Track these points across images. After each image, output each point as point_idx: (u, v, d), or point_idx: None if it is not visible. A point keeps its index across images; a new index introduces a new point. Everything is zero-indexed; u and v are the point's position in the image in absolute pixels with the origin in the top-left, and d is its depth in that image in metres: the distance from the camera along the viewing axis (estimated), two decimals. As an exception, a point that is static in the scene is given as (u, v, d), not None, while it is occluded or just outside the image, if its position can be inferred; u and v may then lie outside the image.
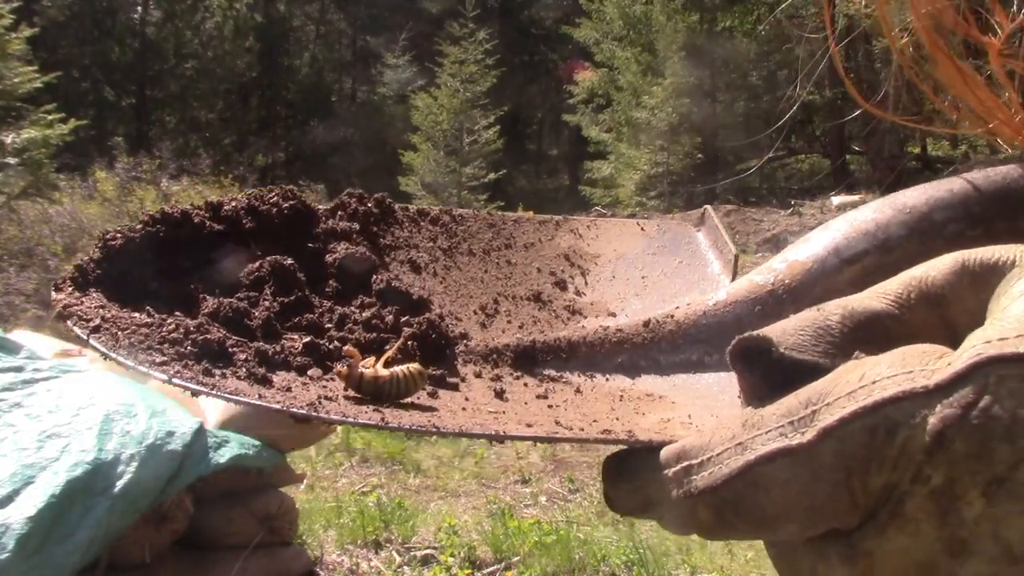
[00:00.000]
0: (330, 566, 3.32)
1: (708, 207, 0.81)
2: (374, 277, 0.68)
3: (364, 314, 0.65)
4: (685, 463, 0.43)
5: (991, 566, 0.35)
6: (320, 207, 0.73)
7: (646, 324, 0.65)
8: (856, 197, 11.28)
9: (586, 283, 0.77)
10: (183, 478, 2.41)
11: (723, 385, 0.61)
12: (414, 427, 0.52)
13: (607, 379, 0.64)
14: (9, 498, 2.14)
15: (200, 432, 2.51)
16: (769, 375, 0.43)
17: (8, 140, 9.23)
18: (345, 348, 0.59)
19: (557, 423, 0.54)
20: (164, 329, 0.56)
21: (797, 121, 16.56)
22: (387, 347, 0.61)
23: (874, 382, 0.37)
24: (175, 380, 0.51)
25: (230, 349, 0.56)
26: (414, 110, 18.49)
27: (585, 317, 0.73)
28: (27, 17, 12.39)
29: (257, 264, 0.64)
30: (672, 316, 0.65)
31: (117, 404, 2.47)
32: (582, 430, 0.52)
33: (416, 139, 18.09)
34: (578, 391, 0.62)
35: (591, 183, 18.26)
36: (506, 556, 3.45)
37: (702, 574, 3.33)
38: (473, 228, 0.80)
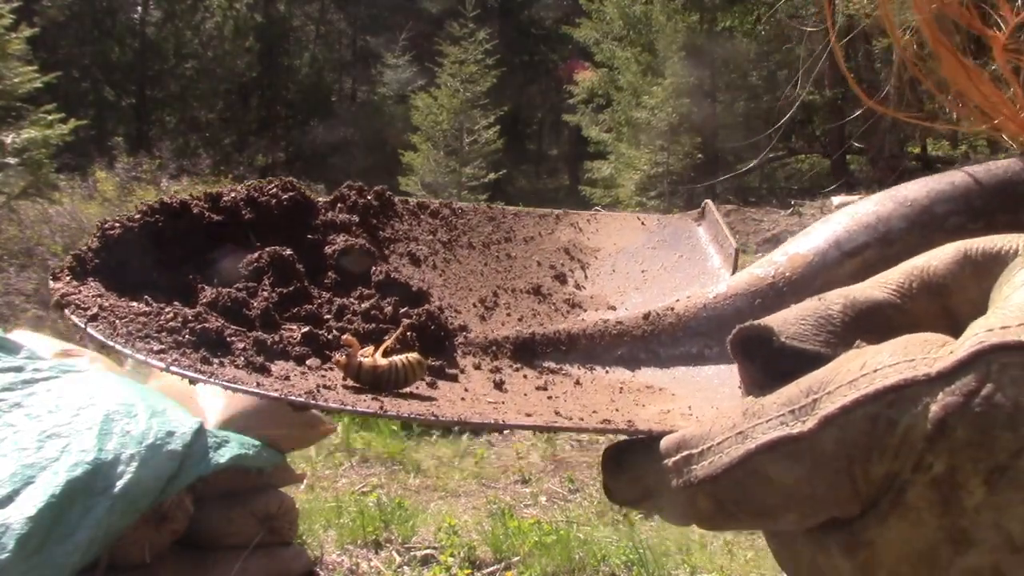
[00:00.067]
0: (330, 566, 3.32)
1: (709, 201, 0.81)
2: (373, 269, 0.68)
3: (363, 305, 0.64)
4: (685, 452, 0.43)
5: (992, 555, 0.35)
6: (319, 199, 0.73)
7: (646, 317, 0.65)
8: (856, 197, 11.28)
9: (586, 277, 0.77)
10: (183, 478, 2.41)
11: (723, 378, 0.61)
12: (413, 416, 0.52)
13: (607, 371, 0.64)
14: (9, 498, 2.14)
15: (200, 432, 2.51)
16: (770, 365, 0.43)
17: (8, 140, 9.23)
18: (344, 337, 0.59)
19: (557, 413, 0.54)
20: (162, 318, 0.56)
21: (797, 121, 16.56)
22: (386, 337, 0.61)
23: (876, 370, 0.37)
24: (172, 368, 0.51)
25: (228, 338, 0.56)
26: (414, 110, 18.49)
27: (585, 310, 0.72)
28: (27, 17, 12.39)
29: (256, 255, 0.64)
30: (672, 309, 0.65)
31: (117, 404, 2.47)
32: (582, 420, 0.52)
33: (416, 139, 18.09)
34: (578, 383, 0.62)
35: (591, 183, 18.25)
36: (506, 556, 3.45)
37: (702, 574, 3.33)
38: (473, 221, 0.80)
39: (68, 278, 0.57)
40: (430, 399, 0.56)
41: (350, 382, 0.57)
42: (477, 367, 0.63)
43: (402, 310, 0.65)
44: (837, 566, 0.39)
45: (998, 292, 0.40)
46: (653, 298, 0.73)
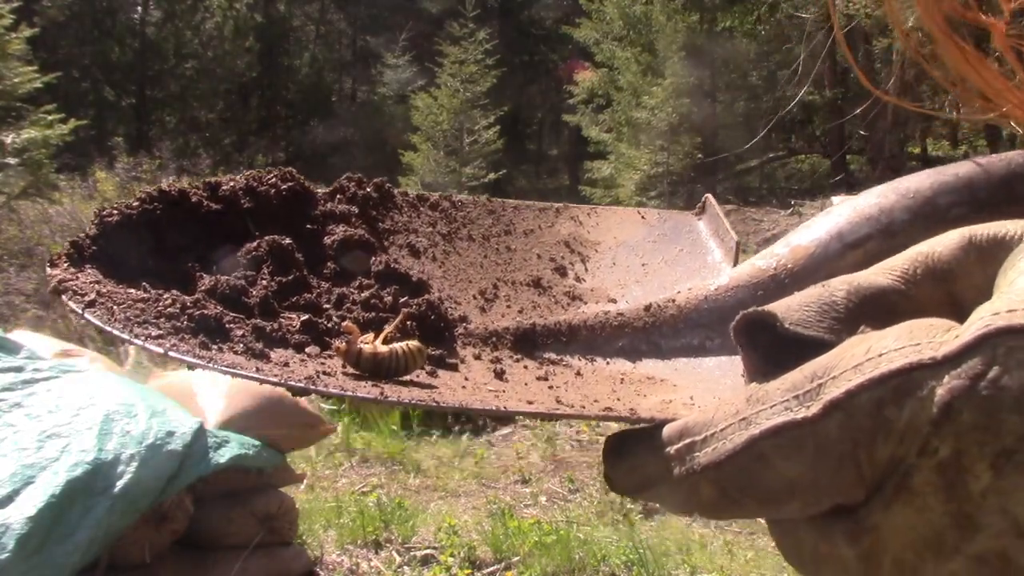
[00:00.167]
0: (330, 566, 3.32)
1: (709, 195, 0.81)
2: (373, 259, 0.68)
3: (363, 294, 0.64)
4: (688, 440, 0.42)
5: (999, 540, 0.35)
6: (319, 190, 0.73)
7: (647, 308, 0.65)
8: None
9: (586, 270, 0.77)
10: (183, 478, 2.41)
11: (725, 369, 0.61)
12: (414, 401, 0.52)
13: (608, 363, 0.64)
14: (9, 498, 2.14)
15: (200, 432, 2.51)
16: (773, 352, 0.43)
17: (8, 140, 9.23)
18: (344, 324, 0.59)
19: (558, 401, 0.53)
20: (160, 304, 0.55)
21: (797, 121, 16.56)
22: (386, 325, 0.60)
23: (881, 355, 0.37)
24: (171, 353, 0.51)
25: (227, 325, 0.56)
26: (414, 110, 18.49)
27: (585, 303, 0.72)
28: (27, 17, 12.39)
29: (255, 243, 0.64)
30: (673, 300, 0.65)
31: (117, 404, 2.47)
32: (583, 408, 0.52)
33: (416, 139, 18.10)
34: (579, 374, 0.61)
35: (591, 183, 18.25)
36: (506, 556, 3.45)
37: (702, 574, 3.33)
38: (472, 214, 0.79)
39: (65, 265, 0.57)
40: (430, 387, 0.56)
41: (350, 369, 0.57)
42: (477, 357, 0.63)
43: (402, 299, 0.65)
44: (841, 554, 0.38)
45: (1003, 277, 0.40)
46: (654, 291, 0.73)
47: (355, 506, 3.80)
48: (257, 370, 0.51)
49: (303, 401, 3.34)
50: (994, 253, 0.42)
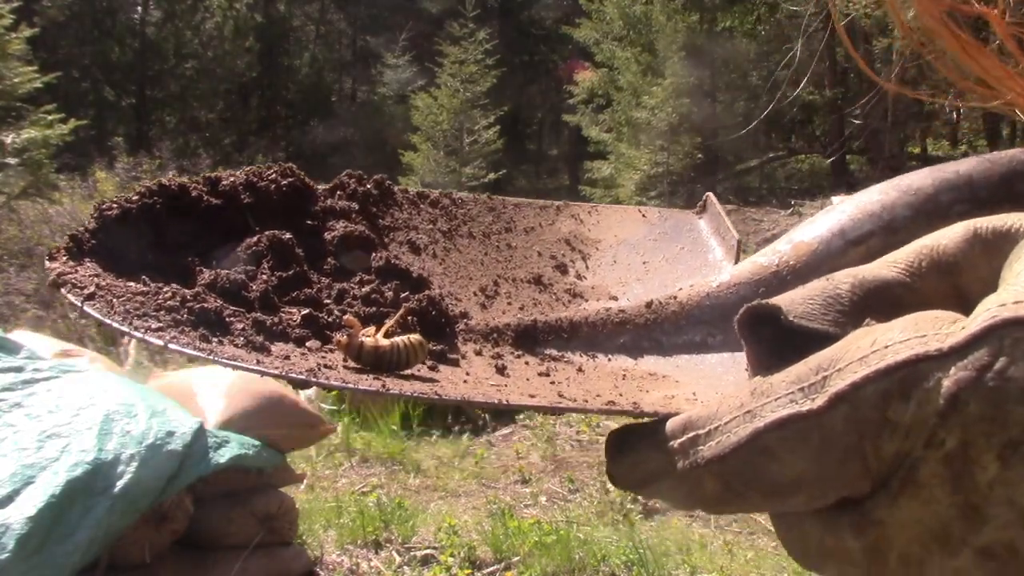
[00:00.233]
0: (330, 566, 3.32)
1: (710, 194, 0.81)
2: (373, 255, 0.68)
3: (363, 289, 0.64)
4: (692, 433, 0.42)
5: (1006, 531, 0.34)
6: (319, 187, 0.72)
7: (648, 305, 0.65)
8: (856, 197, 11.24)
9: (587, 267, 0.76)
10: (183, 478, 2.41)
11: (727, 366, 0.60)
12: (416, 394, 0.51)
13: (609, 359, 0.64)
14: (9, 498, 2.14)
15: (200, 432, 2.51)
16: (777, 346, 0.42)
17: (8, 140, 9.23)
18: (345, 317, 0.59)
19: (560, 396, 0.53)
20: (160, 297, 0.55)
21: (797, 121, 16.56)
22: (387, 319, 0.60)
23: (886, 347, 0.37)
24: (171, 345, 0.50)
25: (227, 318, 0.56)
26: (414, 110, 18.49)
27: (586, 300, 0.72)
28: (27, 17, 12.39)
29: (255, 238, 0.64)
30: (675, 297, 0.65)
31: (117, 404, 2.47)
32: (586, 402, 0.52)
33: (416, 139, 18.10)
34: (580, 370, 0.61)
35: (591, 183, 18.25)
36: (506, 556, 3.45)
37: (702, 574, 3.33)
38: (473, 211, 0.79)
39: (64, 258, 0.57)
40: (432, 380, 0.56)
41: (351, 363, 0.56)
42: (478, 353, 0.63)
43: (403, 295, 0.64)
44: (847, 547, 0.38)
45: (1009, 270, 0.40)
46: (655, 289, 0.72)
47: (355, 506, 3.80)
48: (258, 362, 0.51)
49: (303, 401, 3.34)
50: (999, 245, 0.42)
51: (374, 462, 4.74)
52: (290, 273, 0.62)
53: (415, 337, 0.58)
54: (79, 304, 0.53)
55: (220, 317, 0.55)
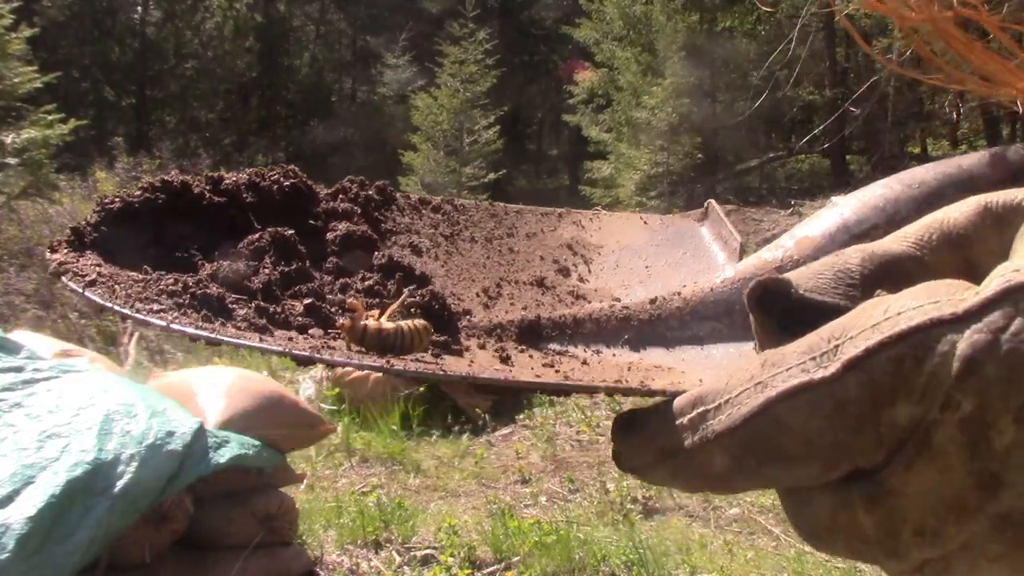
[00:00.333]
0: (330, 566, 3.32)
1: (712, 201, 0.81)
2: (376, 254, 0.67)
3: (366, 282, 0.64)
4: (701, 408, 0.41)
5: (1023, 499, 0.34)
6: (321, 191, 0.72)
7: (653, 301, 0.65)
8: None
9: (589, 271, 0.76)
10: (183, 478, 2.41)
11: (733, 358, 0.60)
12: (419, 372, 0.51)
13: (614, 354, 0.64)
14: (9, 498, 2.14)
15: (200, 432, 2.51)
16: (787, 319, 0.42)
17: (8, 140, 9.22)
18: (349, 301, 0.58)
19: (567, 378, 0.53)
20: (162, 283, 0.55)
21: (797, 121, 16.55)
22: (391, 302, 0.60)
23: (899, 313, 0.36)
24: (173, 326, 0.50)
25: (229, 305, 0.55)
26: (414, 110, 18.49)
27: (589, 302, 0.72)
28: (27, 17, 12.39)
29: (257, 235, 0.63)
30: (679, 294, 0.65)
31: (117, 404, 2.47)
32: (592, 381, 0.51)
33: (416, 139, 18.09)
34: (585, 363, 0.61)
35: (591, 183, 18.24)
36: (506, 556, 3.45)
37: (702, 574, 3.33)
38: (475, 217, 0.79)
39: (66, 250, 0.57)
40: (435, 363, 0.56)
41: (355, 347, 0.56)
42: (482, 347, 0.62)
43: (406, 288, 0.64)
44: (858, 522, 0.37)
45: (1020, 240, 0.40)
46: (658, 291, 0.72)
47: (355, 506, 3.80)
48: (261, 340, 0.51)
49: (303, 401, 3.34)
50: (1009, 219, 0.41)
51: (374, 462, 4.74)
52: (292, 268, 0.62)
53: (419, 322, 0.57)
54: (80, 290, 0.52)
55: (222, 303, 0.55)
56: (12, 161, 9.22)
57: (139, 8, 24.90)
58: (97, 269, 0.55)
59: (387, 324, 0.56)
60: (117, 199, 0.61)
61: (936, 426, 0.34)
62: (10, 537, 2.05)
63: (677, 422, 0.42)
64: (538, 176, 27.38)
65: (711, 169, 16.92)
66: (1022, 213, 0.41)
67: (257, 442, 2.70)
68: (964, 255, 0.43)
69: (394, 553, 3.47)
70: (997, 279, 0.35)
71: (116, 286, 0.53)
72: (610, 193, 16.97)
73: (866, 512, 0.37)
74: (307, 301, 0.59)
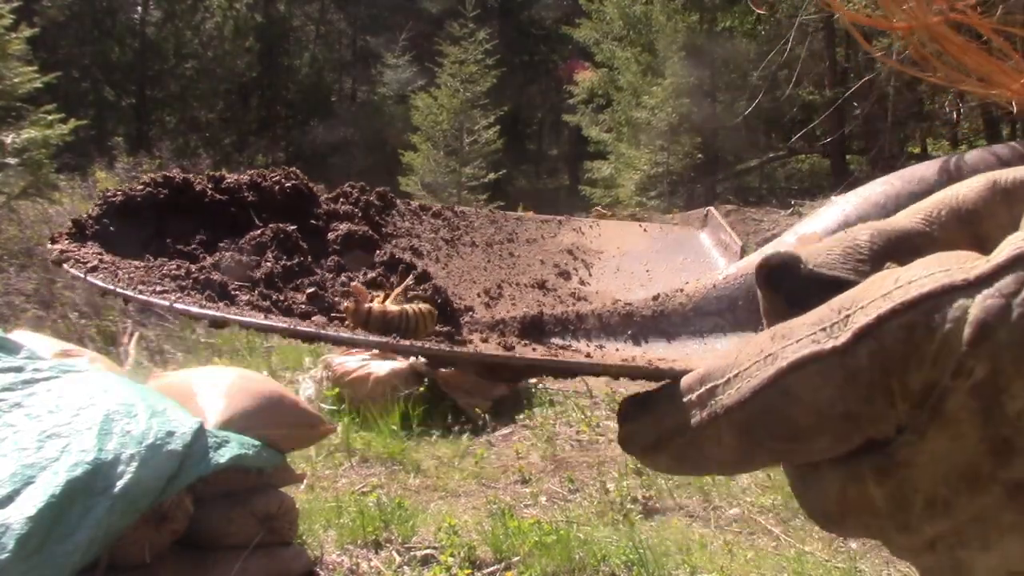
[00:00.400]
0: (330, 566, 3.32)
1: (711, 208, 0.82)
2: (377, 252, 0.68)
3: (368, 276, 0.64)
4: (710, 384, 0.41)
5: None
6: (322, 196, 0.73)
7: (655, 298, 0.65)
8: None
9: (590, 275, 0.77)
10: (183, 478, 2.41)
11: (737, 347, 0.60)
12: (426, 350, 0.50)
13: (617, 348, 0.64)
14: (9, 498, 2.14)
15: (200, 432, 2.51)
16: (796, 295, 0.41)
17: (8, 140, 9.22)
18: (352, 285, 0.58)
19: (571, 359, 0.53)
20: (165, 268, 0.55)
21: (797, 121, 16.56)
22: (394, 283, 0.60)
23: (910, 282, 0.36)
24: (177, 305, 0.50)
25: (232, 292, 0.55)
26: (414, 110, 18.50)
27: (591, 303, 0.73)
28: (27, 17, 12.38)
29: (259, 231, 0.63)
30: (681, 290, 0.65)
31: (117, 404, 2.47)
32: (602, 358, 0.51)
33: (416, 139, 18.10)
34: (588, 356, 0.61)
35: (591, 183, 18.26)
36: (506, 556, 3.45)
37: (702, 574, 3.33)
38: (475, 223, 0.80)
39: (67, 241, 0.57)
40: (443, 341, 0.56)
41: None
42: (485, 341, 0.62)
43: (412, 272, 0.64)
44: (869, 496, 0.37)
45: None
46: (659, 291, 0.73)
47: (355, 506, 3.80)
48: (265, 318, 0.51)
49: (303, 401, 3.34)
50: (1019, 195, 0.42)
51: (374, 462, 4.74)
52: (295, 262, 0.62)
53: (424, 305, 0.57)
54: (82, 275, 0.52)
55: (225, 290, 0.55)
56: (12, 161, 9.22)
57: (139, 8, 24.92)
58: (99, 256, 0.55)
59: (392, 307, 0.56)
60: (119, 192, 0.61)
61: (948, 393, 0.34)
62: (10, 537, 2.05)
63: (685, 399, 0.42)
64: (538, 176, 27.40)
65: (711, 169, 16.93)
66: None
67: (257, 442, 2.70)
68: (974, 231, 0.43)
69: (394, 553, 3.48)
70: (1008, 246, 0.35)
71: (118, 271, 0.53)
72: (610, 193, 16.99)
73: (877, 484, 0.36)
74: (310, 290, 0.59)
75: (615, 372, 0.50)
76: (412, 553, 3.47)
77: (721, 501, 4.13)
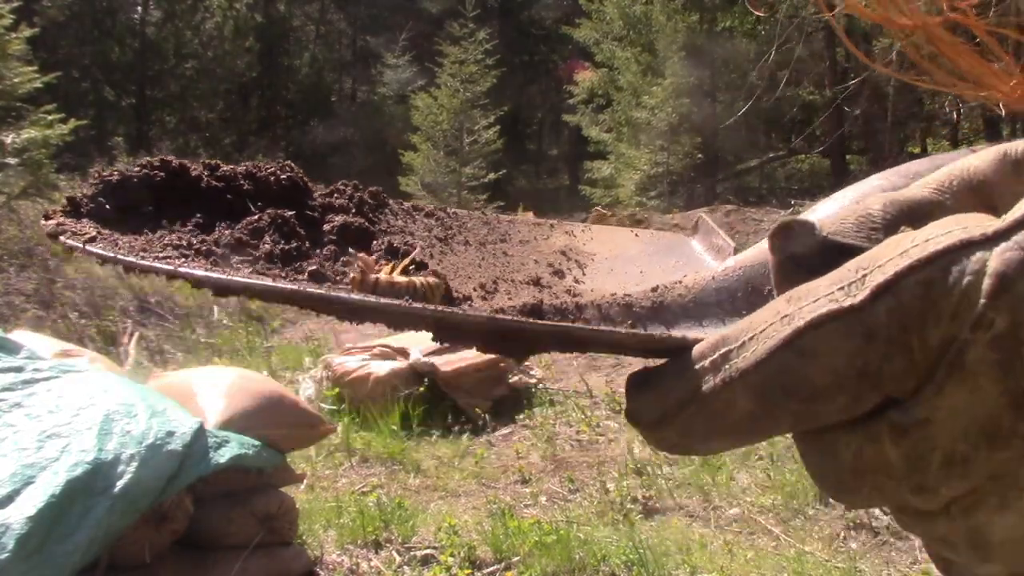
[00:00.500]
0: (330, 566, 3.32)
1: (702, 215, 0.82)
2: (374, 242, 0.68)
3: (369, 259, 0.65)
4: (724, 349, 0.40)
5: None
6: (317, 190, 0.73)
7: (655, 289, 0.65)
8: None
9: (584, 274, 0.77)
10: (183, 478, 2.41)
11: None
12: (439, 312, 0.49)
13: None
14: (9, 498, 2.14)
15: (200, 432, 2.51)
16: (809, 265, 0.41)
17: (8, 140, 9.22)
18: (359, 255, 0.57)
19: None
20: (166, 239, 0.55)
21: (797, 121, 16.57)
22: (401, 256, 0.60)
23: (927, 240, 0.36)
24: (180, 270, 0.49)
25: (234, 264, 0.55)
26: (414, 110, 18.51)
27: (588, 298, 0.73)
28: (27, 17, 12.38)
29: (256, 217, 0.63)
30: (681, 282, 0.65)
31: (117, 404, 2.47)
32: (611, 327, 0.51)
33: (416, 139, 18.11)
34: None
35: (591, 183, 18.26)
36: (506, 556, 3.45)
37: (702, 574, 3.33)
38: (468, 224, 0.81)
39: (61, 217, 0.56)
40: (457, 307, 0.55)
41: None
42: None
43: (418, 244, 0.65)
44: (885, 457, 0.37)
45: None
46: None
47: (355, 506, 3.80)
48: (273, 280, 0.50)
49: (303, 401, 3.35)
50: None
51: (374, 462, 4.74)
52: (292, 246, 0.62)
53: (432, 278, 0.56)
54: (80, 245, 0.51)
55: (227, 261, 0.55)
56: (12, 161, 9.22)
57: (139, 8, 24.92)
58: (96, 228, 0.55)
59: (399, 277, 0.55)
60: (115, 172, 0.61)
61: (968, 346, 0.34)
62: (10, 537, 2.05)
63: (697, 366, 0.41)
64: (538, 176, 27.41)
65: (711, 169, 16.94)
66: None
67: (257, 442, 2.70)
68: (985, 200, 0.43)
69: (394, 553, 3.48)
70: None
71: (118, 242, 0.53)
72: (610, 193, 16.99)
73: (894, 444, 0.36)
74: (312, 268, 0.59)
75: (631, 343, 0.49)
76: (412, 553, 3.48)
77: (721, 501, 4.14)
